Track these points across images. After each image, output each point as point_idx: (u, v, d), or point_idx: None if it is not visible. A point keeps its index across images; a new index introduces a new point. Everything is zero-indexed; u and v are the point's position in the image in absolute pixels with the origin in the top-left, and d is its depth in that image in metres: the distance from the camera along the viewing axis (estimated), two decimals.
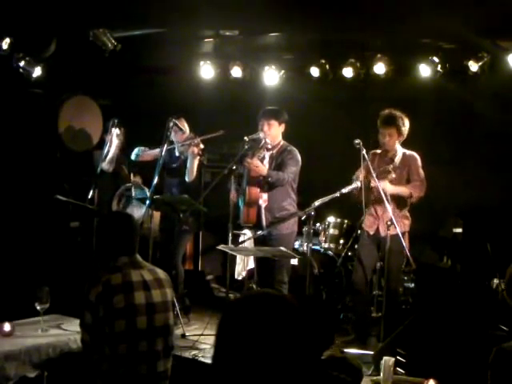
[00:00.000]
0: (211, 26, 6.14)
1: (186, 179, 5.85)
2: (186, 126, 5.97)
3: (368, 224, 5.50)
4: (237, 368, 1.49)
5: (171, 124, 5.65)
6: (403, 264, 5.43)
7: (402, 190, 5.28)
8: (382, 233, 5.36)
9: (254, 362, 1.48)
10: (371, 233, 5.45)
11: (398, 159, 5.41)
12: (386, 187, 5.19)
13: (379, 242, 5.39)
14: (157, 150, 5.94)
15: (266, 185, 5.47)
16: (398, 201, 5.35)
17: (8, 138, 6.79)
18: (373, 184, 5.19)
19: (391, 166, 5.29)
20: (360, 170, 5.30)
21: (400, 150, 5.44)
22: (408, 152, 5.46)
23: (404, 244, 5.03)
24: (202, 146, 5.77)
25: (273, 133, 5.52)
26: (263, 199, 5.49)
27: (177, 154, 5.97)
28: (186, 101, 7.02)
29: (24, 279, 5.67)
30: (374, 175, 5.12)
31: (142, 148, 6.18)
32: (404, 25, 5.40)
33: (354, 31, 5.73)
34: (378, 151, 5.31)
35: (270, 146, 5.53)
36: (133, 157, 6.24)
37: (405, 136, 5.40)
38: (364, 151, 5.18)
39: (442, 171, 6.46)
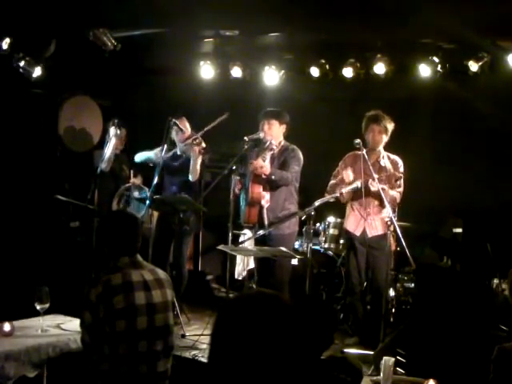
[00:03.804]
0: (211, 25, 6.14)
1: (190, 179, 5.85)
2: (187, 126, 5.97)
3: (352, 226, 5.52)
4: (232, 368, 1.49)
5: (171, 124, 5.66)
6: (392, 263, 5.45)
7: (392, 197, 5.29)
8: (369, 234, 5.39)
9: (249, 362, 1.48)
10: (358, 234, 5.48)
11: (386, 162, 5.43)
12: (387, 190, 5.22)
13: (366, 243, 5.41)
14: (153, 153, 5.99)
15: (269, 184, 5.47)
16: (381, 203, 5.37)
17: (8, 138, 6.80)
18: (374, 187, 5.18)
19: (397, 172, 5.31)
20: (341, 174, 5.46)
21: (384, 153, 5.47)
22: (392, 156, 5.49)
23: (392, 243, 5.10)
24: (203, 144, 5.78)
25: (273, 133, 5.52)
26: (265, 199, 5.49)
27: (178, 152, 5.97)
28: (186, 101, 7.02)
29: (24, 279, 5.67)
30: (376, 177, 5.12)
31: (149, 157, 6.20)
32: (404, 25, 5.40)
33: (354, 31, 5.73)
34: (359, 152, 5.28)
35: (275, 147, 5.53)
36: (137, 159, 6.28)
37: (388, 136, 5.43)
38: (364, 151, 5.19)
39: (442, 171, 6.46)
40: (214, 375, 1.53)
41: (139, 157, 6.26)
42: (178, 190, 5.97)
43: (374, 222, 5.43)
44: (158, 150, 5.91)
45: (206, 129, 5.70)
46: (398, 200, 5.41)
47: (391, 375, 4.02)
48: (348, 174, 5.38)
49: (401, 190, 5.37)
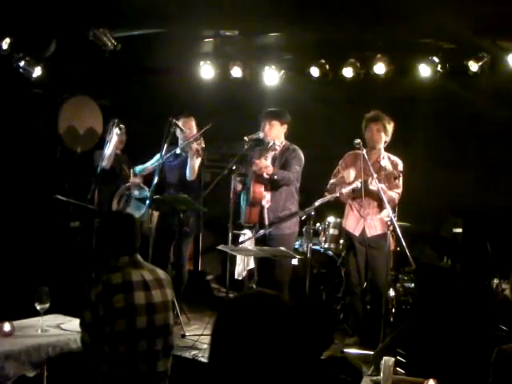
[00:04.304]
0: (211, 25, 6.14)
1: (188, 178, 5.86)
2: (192, 126, 5.97)
3: (352, 225, 5.52)
4: (232, 367, 1.49)
5: (172, 124, 5.67)
6: (391, 263, 5.45)
7: (390, 198, 5.29)
8: (369, 234, 5.39)
9: (249, 362, 1.48)
10: (357, 234, 5.47)
11: (386, 163, 5.44)
12: (385, 190, 5.21)
13: (366, 242, 5.42)
14: (155, 160, 5.99)
15: (271, 184, 5.47)
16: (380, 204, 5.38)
17: (8, 138, 6.80)
18: (373, 187, 5.17)
19: (395, 171, 5.31)
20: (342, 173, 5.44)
21: (384, 153, 5.48)
22: (392, 156, 5.49)
23: (391, 243, 5.09)
24: (203, 144, 5.79)
25: (274, 133, 5.52)
26: (266, 199, 5.49)
27: (177, 151, 5.97)
28: (186, 101, 7.02)
29: (24, 279, 5.67)
30: (375, 176, 5.12)
31: (143, 167, 6.24)
32: (404, 25, 5.40)
33: (354, 31, 5.73)
34: (359, 152, 5.26)
35: (278, 147, 5.52)
36: (138, 170, 6.33)
37: (389, 137, 5.43)
38: (364, 151, 5.19)
39: (442, 171, 6.46)
40: (215, 375, 1.53)
41: (139, 168, 6.31)
42: (177, 189, 5.97)
43: (372, 221, 5.43)
44: (157, 156, 5.94)
45: (191, 139, 5.77)
46: (397, 201, 5.41)
47: (391, 375, 4.02)
48: (349, 174, 5.35)
49: (399, 190, 5.37)
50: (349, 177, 5.35)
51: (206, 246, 7.29)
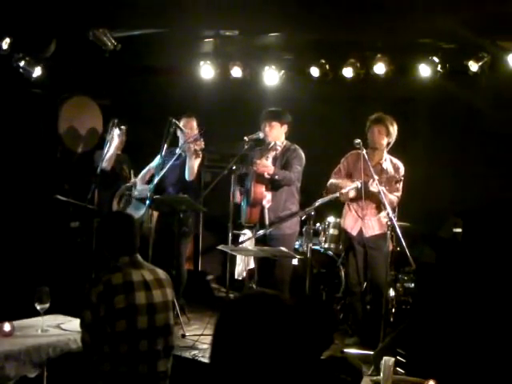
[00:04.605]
0: (211, 25, 6.14)
1: (187, 178, 5.86)
2: (193, 126, 5.97)
3: (350, 225, 5.54)
4: (233, 367, 1.50)
5: (171, 124, 5.67)
6: (389, 262, 5.44)
7: (390, 201, 5.28)
8: (366, 234, 5.40)
9: (251, 362, 1.48)
10: (354, 234, 5.48)
11: (388, 166, 5.43)
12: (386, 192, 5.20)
13: (364, 242, 5.42)
14: (157, 162, 5.98)
15: (272, 184, 5.47)
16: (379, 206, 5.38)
17: (8, 138, 6.80)
18: (374, 188, 5.16)
19: (397, 175, 5.30)
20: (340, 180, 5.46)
21: (386, 156, 5.47)
22: (394, 159, 5.49)
23: (390, 242, 5.09)
24: (202, 145, 5.79)
25: (274, 134, 5.52)
26: (267, 199, 5.49)
27: (177, 151, 5.97)
28: (186, 101, 7.02)
29: (24, 279, 5.67)
30: (376, 178, 5.11)
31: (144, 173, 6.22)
32: (404, 25, 5.40)
33: (354, 31, 5.73)
34: (360, 152, 5.23)
35: (279, 148, 5.52)
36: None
37: (393, 139, 5.42)
38: (364, 151, 5.19)
39: (442, 171, 6.46)
40: (216, 375, 1.53)
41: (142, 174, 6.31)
42: (176, 188, 5.97)
43: (370, 221, 5.43)
44: (158, 158, 5.94)
45: (189, 140, 5.79)
46: (395, 204, 5.41)
47: (391, 375, 4.02)
48: (348, 187, 5.32)
49: (399, 194, 5.37)
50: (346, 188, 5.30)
51: (206, 245, 7.29)
